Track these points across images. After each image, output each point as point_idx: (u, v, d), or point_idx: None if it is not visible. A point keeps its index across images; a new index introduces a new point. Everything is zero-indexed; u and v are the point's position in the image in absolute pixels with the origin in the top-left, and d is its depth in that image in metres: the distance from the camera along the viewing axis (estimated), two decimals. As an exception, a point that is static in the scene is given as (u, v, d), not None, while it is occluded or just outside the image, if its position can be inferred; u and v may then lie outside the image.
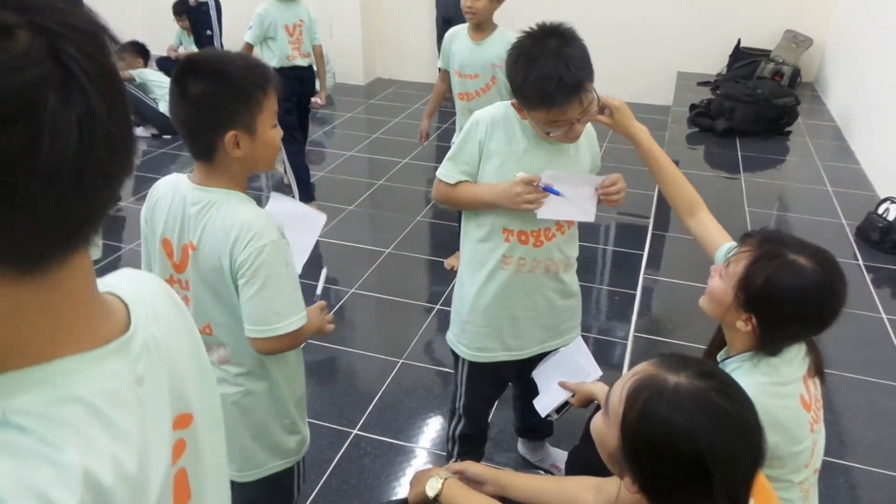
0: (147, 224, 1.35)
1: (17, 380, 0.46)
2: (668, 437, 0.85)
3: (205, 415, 0.66)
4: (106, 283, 0.59)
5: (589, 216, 1.58)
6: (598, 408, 1.42)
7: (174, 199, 1.29)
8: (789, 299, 1.16)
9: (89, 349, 0.50)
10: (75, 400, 0.48)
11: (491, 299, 1.65)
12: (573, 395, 1.61)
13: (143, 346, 0.56)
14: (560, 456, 2.13)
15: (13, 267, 0.44)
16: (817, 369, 1.29)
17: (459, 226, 1.79)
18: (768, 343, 1.22)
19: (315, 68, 3.83)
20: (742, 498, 0.87)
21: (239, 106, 1.20)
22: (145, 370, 0.55)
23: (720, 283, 1.26)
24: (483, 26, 2.76)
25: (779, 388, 1.22)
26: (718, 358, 1.34)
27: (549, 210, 1.53)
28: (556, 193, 1.50)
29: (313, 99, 3.93)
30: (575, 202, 1.54)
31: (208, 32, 5.37)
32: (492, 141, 1.56)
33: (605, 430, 0.96)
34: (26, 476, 0.43)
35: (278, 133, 1.28)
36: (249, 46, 3.60)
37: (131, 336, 0.55)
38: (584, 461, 1.30)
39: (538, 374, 1.74)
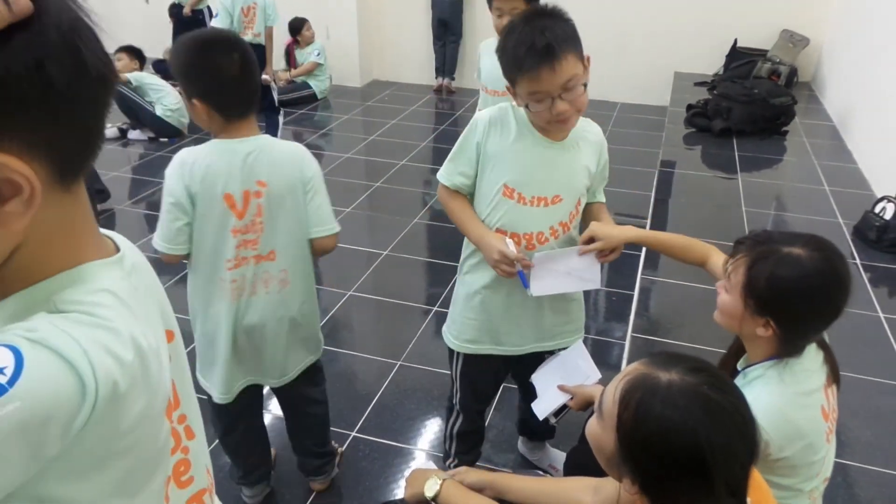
0: (198, 188, 1.51)
1: (62, 280, 0.60)
2: (666, 435, 0.85)
3: (180, 338, 0.78)
4: None
5: (593, 283, 1.59)
6: (590, 415, 1.42)
7: (222, 158, 1.52)
8: (796, 291, 1.15)
9: (102, 258, 0.64)
10: (105, 291, 0.61)
11: (486, 296, 1.66)
12: (572, 398, 1.61)
13: (133, 267, 0.68)
14: (558, 457, 2.12)
15: (67, 177, 0.58)
16: (835, 377, 1.29)
17: None
18: (790, 342, 1.21)
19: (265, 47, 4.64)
20: (741, 490, 0.87)
21: (259, 75, 1.52)
22: (136, 284, 0.67)
23: (727, 297, 1.24)
24: None
25: (802, 398, 1.21)
26: (738, 367, 1.32)
27: (542, 286, 1.56)
28: (525, 285, 1.54)
29: (264, 76, 4.55)
30: (574, 273, 1.57)
31: None
32: (489, 142, 1.55)
33: (600, 433, 0.95)
34: (96, 336, 0.56)
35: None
36: None
37: (123, 256, 0.67)
38: (583, 462, 1.30)
39: (537, 378, 1.73)
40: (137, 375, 0.59)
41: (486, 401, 1.95)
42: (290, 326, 1.71)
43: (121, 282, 0.64)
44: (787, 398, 1.19)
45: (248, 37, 4.43)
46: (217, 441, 1.89)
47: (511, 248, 1.51)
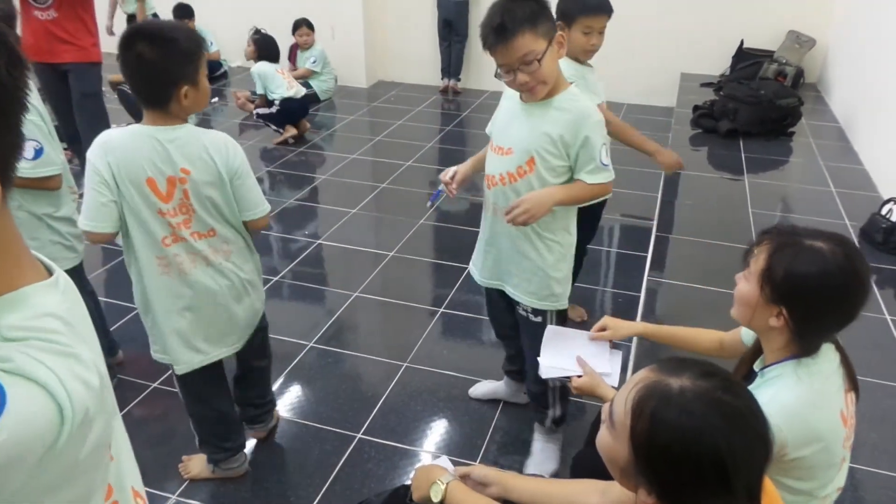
0: (118, 170, 1.58)
1: (3, 304, 0.56)
2: (684, 443, 0.84)
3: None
4: None
5: (606, 377, 1.60)
6: (597, 419, 1.42)
7: (145, 144, 1.59)
8: (814, 283, 1.14)
9: (39, 280, 0.61)
10: (50, 316, 0.58)
11: (483, 233, 2.00)
12: (580, 376, 1.59)
13: (66, 286, 0.66)
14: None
15: (6, 185, 0.55)
16: (852, 383, 1.28)
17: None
18: (804, 336, 1.20)
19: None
20: (757, 492, 0.87)
21: (188, 66, 1.55)
22: (72, 303, 0.65)
23: (745, 285, 1.24)
24: None
25: (820, 398, 1.21)
26: (755, 367, 1.31)
27: (551, 363, 1.66)
28: (431, 199, 1.74)
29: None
30: (586, 358, 1.63)
31: None
32: (502, 102, 1.89)
33: (612, 444, 0.93)
34: (67, 364, 0.55)
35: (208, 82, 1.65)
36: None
37: (57, 278, 0.65)
38: (591, 465, 1.30)
39: (562, 333, 1.76)
40: (99, 399, 0.58)
41: (501, 327, 2.19)
42: (236, 295, 1.82)
43: (61, 304, 0.62)
44: (804, 398, 1.18)
45: None
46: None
47: (449, 174, 1.99)
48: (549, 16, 1.65)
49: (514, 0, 1.61)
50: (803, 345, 1.21)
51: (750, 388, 1.26)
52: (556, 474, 2.08)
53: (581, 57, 2.34)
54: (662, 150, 2.68)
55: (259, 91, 5.12)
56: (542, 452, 2.14)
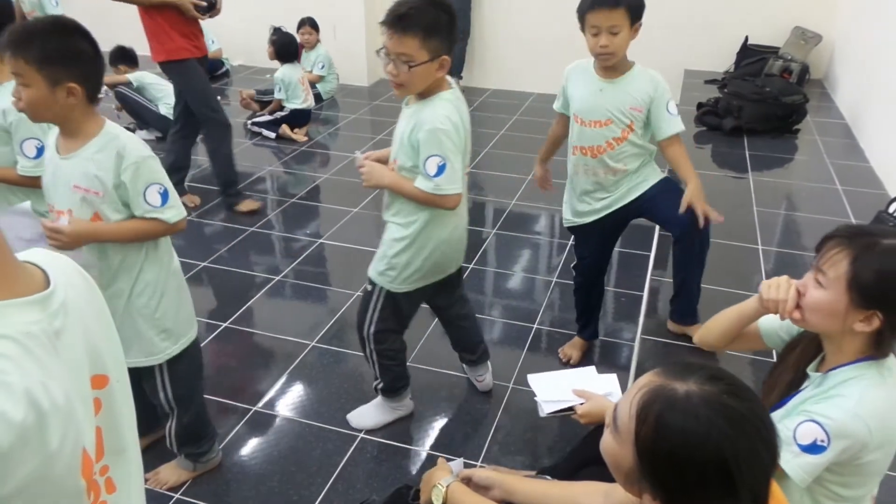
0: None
1: None
2: (689, 448, 0.83)
3: (121, 381, 0.73)
4: (21, 256, 0.64)
5: (613, 398, 1.64)
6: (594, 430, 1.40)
7: None
8: None
9: (15, 296, 0.56)
10: (5, 337, 0.53)
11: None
12: (581, 403, 1.59)
13: (62, 305, 0.61)
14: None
15: None
16: None
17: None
18: (887, 340, 1.18)
19: None
20: (763, 496, 0.86)
21: None
22: (62, 326, 0.61)
23: (824, 293, 1.19)
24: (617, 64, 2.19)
25: (894, 403, 1.18)
26: (809, 371, 1.28)
27: (550, 401, 1.67)
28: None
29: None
30: (587, 388, 1.65)
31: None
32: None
33: (617, 449, 0.92)
34: None
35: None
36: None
37: (51, 294, 0.60)
38: (592, 456, 1.27)
39: (546, 376, 1.75)
40: (29, 435, 0.53)
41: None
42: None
43: (33, 326, 0.57)
44: (891, 401, 1.16)
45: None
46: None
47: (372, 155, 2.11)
48: (446, 36, 1.78)
49: (433, 5, 1.74)
50: (884, 347, 1.18)
51: (815, 389, 1.23)
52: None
53: (597, 63, 2.17)
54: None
55: (277, 96, 5.15)
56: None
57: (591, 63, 2.18)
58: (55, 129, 1.68)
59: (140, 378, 1.83)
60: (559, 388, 1.68)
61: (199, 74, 3.67)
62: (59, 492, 0.59)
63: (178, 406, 1.92)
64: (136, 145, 1.66)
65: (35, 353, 0.55)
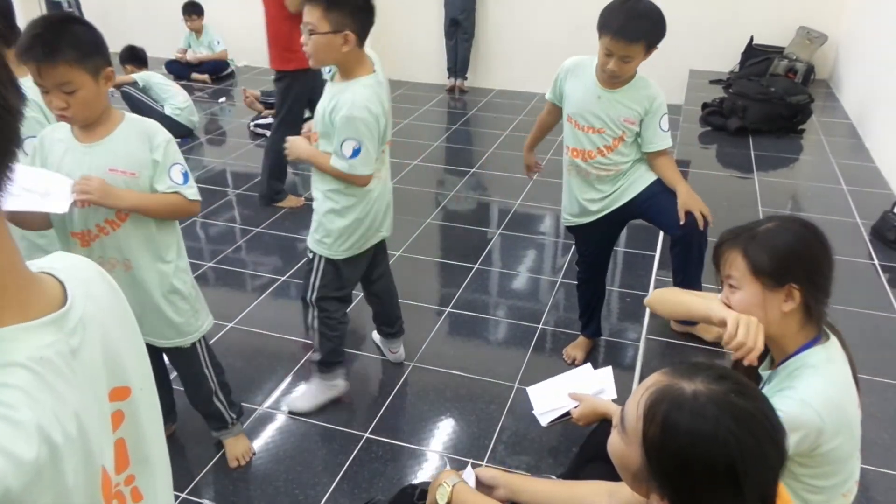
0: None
1: None
2: (696, 448, 0.83)
3: (145, 388, 0.70)
4: (39, 265, 0.62)
5: (605, 395, 1.71)
6: (600, 425, 1.40)
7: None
8: (799, 247, 1.21)
9: (22, 321, 0.53)
10: (17, 365, 0.51)
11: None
12: (576, 407, 1.60)
13: (79, 321, 0.59)
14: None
15: None
16: (853, 374, 1.28)
17: None
18: (814, 306, 1.22)
19: None
20: (770, 496, 0.86)
21: None
22: (80, 343, 0.58)
23: (741, 293, 1.25)
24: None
25: (846, 381, 1.22)
26: (761, 371, 1.31)
27: (547, 411, 1.70)
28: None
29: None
30: (581, 389, 1.71)
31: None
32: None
33: (624, 449, 0.92)
34: None
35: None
36: None
37: (67, 311, 0.58)
38: (599, 453, 1.27)
39: (543, 385, 1.77)
40: (44, 472, 0.50)
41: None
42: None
43: (47, 350, 0.54)
44: (838, 386, 1.19)
45: None
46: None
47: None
48: (353, 13, 1.87)
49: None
50: (817, 315, 1.23)
51: (768, 386, 1.26)
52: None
53: (600, 73, 2.15)
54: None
55: None
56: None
57: (594, 63, 2.18)
58: (56, 125, 1.71)
59: (178, 363, 2.04)
60: (557, 395, 1.70)
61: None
62: None
63: (216, 372, 2.08)
64: (161, 128, 1.74)
65: (48, 380, 0.52)
